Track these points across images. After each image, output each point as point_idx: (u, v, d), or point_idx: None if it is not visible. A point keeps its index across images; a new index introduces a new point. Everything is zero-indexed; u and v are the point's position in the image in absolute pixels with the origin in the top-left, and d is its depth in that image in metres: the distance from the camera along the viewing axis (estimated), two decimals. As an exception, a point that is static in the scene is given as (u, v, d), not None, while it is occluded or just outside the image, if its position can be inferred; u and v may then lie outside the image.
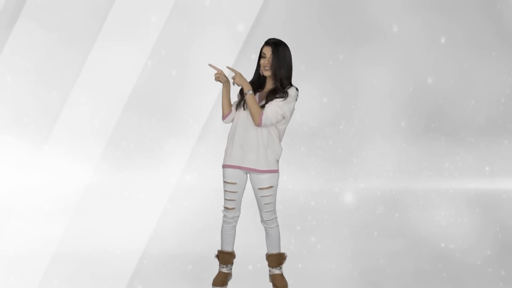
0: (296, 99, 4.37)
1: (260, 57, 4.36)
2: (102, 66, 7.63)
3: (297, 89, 4.37)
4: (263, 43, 4.38)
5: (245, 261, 4.97)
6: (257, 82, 4.43)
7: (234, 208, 4.49)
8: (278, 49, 4.31)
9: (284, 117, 4.34)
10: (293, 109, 4.38)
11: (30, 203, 6.72)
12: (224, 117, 4.53)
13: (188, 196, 7.04)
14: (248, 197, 4.58)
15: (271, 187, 4.41)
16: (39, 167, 7.44)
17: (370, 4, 8.02)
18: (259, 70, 4.41)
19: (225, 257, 4.60)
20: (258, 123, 4.29)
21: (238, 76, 4.32)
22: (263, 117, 4.27)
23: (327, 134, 7.99)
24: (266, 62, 4.32)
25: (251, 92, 4.30)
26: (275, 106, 4.29)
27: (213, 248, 4.81)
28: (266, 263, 4.68)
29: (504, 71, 8.22)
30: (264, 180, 4.39)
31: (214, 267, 4.75)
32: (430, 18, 8.11)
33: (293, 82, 4.43)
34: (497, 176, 8.03)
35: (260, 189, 4.40)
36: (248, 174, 4.45)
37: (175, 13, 7.71)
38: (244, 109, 4.39)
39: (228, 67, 4.40)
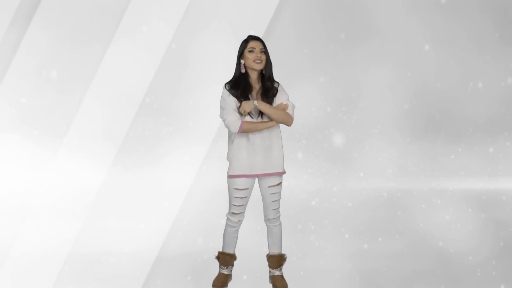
0: None
1: (244, 52, 4.30)
2: (116, 68, 7.68)
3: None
4: (246, 38, 4.35)
5: (245, 262, 4.93)
6: (243, 82, 4.34)
7: (241, 213, 4.48)
8: (265, 44, 4.36)
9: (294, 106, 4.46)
10: None
11: (45, 204, 6.75)
12: (240, 127, 4.31)
13: (188, 197, 7.03)
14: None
15: (280, 183, 4.44)
16: (53, 168, 7.49)
17: (370, 3, 8.00)
18: (240, 67, 4.34)
19: (226, 259, 4.58)
20: (291, 123, 4.38)
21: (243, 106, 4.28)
22: (292, 117, 4.37)
23: (326, 133, 7.97)
24: (257, 55, 4.29)
25: (256, 102, 4.26)
26: (288, 102, 4.37)
27: (213, 249, 4.79)
28: (266, 264, 4.66)
29: (505, 69, 8.19)
30: (275, 178, 4.41)
31: (214, 268, 4.73)
32: (430, 16, 8.08)
33: (293, 80, 4.47)
34: (499, 176, 8.01)
35: (270, 186, 4.41)
36: (258, 177, 4.43)
37: (187, 16, 7.73)
38: (251, 115, 4.29)
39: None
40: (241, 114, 4.27)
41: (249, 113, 4.29)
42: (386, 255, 5.49)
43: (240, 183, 4.37)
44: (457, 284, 4.83)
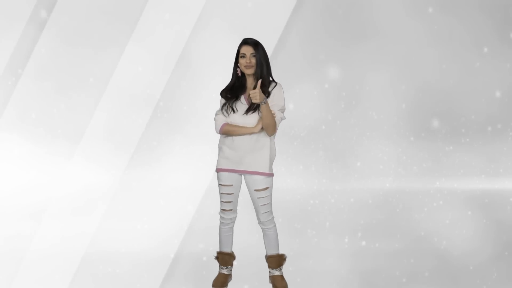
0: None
1: (238, 57, 4.37)
2: (122, 72, 7.73)
3: (280, 85, 4.43)
4: (240, 42, 4.39)
5: (245, 262, 4.95)
6: (238, 84, 4.42)
7: (231, 210, 4.50)
8: (257, 48, 4.36)
9: (284, 118, 4.43)
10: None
11: (60, 206, 6.82)
12: (220, 129, 4.43)
13: (188, 197, 7.04)
14: (246, 198, 4.56)
15: (267, 188, 4.42)
16: (69, 172, 7.61)
17: (372, 3, 8.00)
18: (236, 71, 4.41)
19: (225, 258, 4.60)
20: (272, 134, 4.35)
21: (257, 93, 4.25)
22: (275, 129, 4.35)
23: (327, 133, 7.97)
24: (247, 61, 4.34)
25: (265, 101, 4.27)
26: (279, 112, 4.36)
27: (213, 249, 4.80)
28: (266, 264, 4.65)
29: (506, 67, 8.18)
30: (259, 181, 4.40)
31: (214, 268, 4.75)
32: (430, 16, 8.08)
33: (294, 80, 4.45)
34: (500, 176, 8.00)
35: (256, 190, 4.41)
36: (243, 176, 4.45)
37: (200, 22, 7.76)
38: (234, 112, 4.36)
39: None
40: (227, 113, 4.37)
41: (233, 109, 4.36)
42: (386, 255, 5.49)
43: (223, 178, 4.42)
44: (456, 284, 4.82)
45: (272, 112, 4.33)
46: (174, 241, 5.77)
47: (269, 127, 4.31)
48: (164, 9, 7.85)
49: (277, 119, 4.34)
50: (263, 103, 4.25)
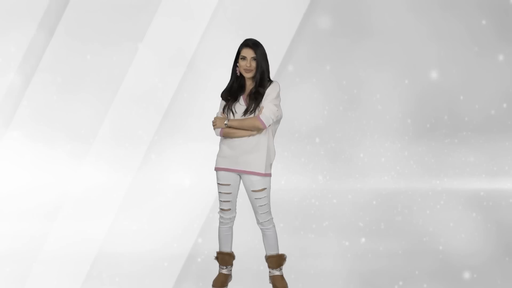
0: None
1: (238, 58, 4.39)
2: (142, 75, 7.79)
3: (278, 84, 4.44)
4: (242, 43, 4.41)
5: (245, 262, 4.97)
6: (237, 84, 4.45)
7: (230, 209, 4.53)
8: (258, 50, 4.38)
9: (279, 110, 4.42)
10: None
11: (72, 207, 6.88)
12: (220, 132, 4.47)
13: (188, 196, 7.08)
14: (246, 198, 4.58)
15: (265, 189, 4.44)
16: (83, 174, 7.63)
17: (371, 2, 8.00)
18: (236, 71, 4.43)
19: (225, 258, 4.63)
20: (262, 126, 4.34)
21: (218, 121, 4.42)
22: (263, 118, 4.33)
23: (327, 133, 7.97)
24: (247, 64, 4.36)
25: (226, 121, 4.39)
26: (268, 104, 4.35)
27: (213, 249, 4.85)
28: (266, 264, 4.68)
29: (507, 67, 8.15)
30: (257, 182, 4.42)
31: (214, 268, 4.76)
32: (431, 15, 8.07)
33: (295, 79, 4.47)
34: (502, 176, 7.97)
35: (253, 191, 4.43)
36: (240, 176, 4.48)
37: (212, 25, 7.82)
38: (233, 114, 4.42)
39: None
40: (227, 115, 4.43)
41: (232, 111, 4.41)
42: (386, 255, 5.49)
43: (221, 177, 4.46)
44: (456, 284, 4.83)
45: (261, 106, 4.35)
46: (174, 242, 5.80)
47: (253, 127, 4.35)
48: (173, 12, 7.89)
49: (266, 109, 4.33)
50: (225, 125, 4.37)
